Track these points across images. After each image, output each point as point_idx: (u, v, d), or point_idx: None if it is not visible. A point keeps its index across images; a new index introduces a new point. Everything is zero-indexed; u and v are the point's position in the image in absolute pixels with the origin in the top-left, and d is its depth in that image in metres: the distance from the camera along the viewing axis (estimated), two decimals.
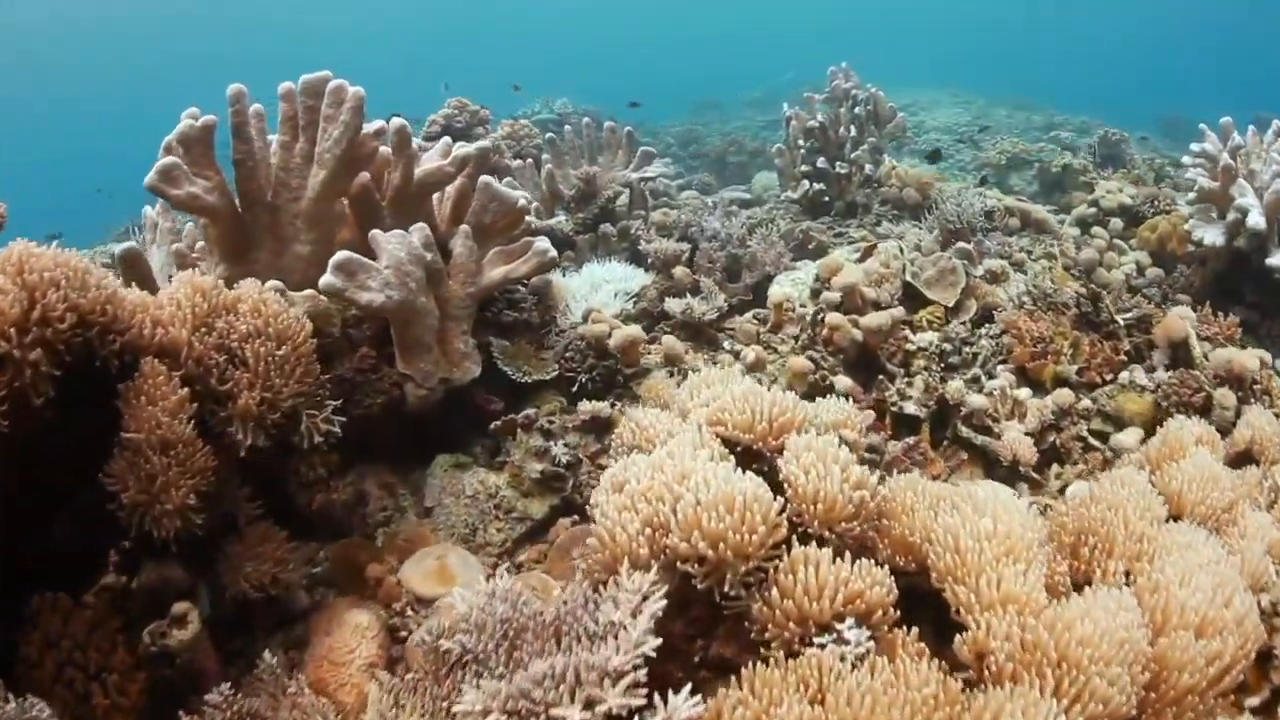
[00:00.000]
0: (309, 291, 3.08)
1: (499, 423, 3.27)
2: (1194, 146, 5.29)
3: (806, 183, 5.95)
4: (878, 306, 3.63)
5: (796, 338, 3.71)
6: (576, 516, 3.04)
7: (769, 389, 2.26)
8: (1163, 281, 5.31)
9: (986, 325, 3.83)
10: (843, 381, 3.29)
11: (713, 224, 4.43)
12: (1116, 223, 5.87)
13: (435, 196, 3.64)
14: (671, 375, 3.47)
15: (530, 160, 5.27)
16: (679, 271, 4.02)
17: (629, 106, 6.81)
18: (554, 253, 3.53)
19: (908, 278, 3.84)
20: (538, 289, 4.21)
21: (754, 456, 2.10)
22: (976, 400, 3.28)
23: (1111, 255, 5.44)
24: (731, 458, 2.01)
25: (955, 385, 3.33)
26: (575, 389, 3.55)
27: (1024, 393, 3.51)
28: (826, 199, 5.99)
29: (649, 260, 4.25)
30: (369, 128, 3.44)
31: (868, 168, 5.85)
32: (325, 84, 3.27)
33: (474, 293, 3.40)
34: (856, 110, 6.05)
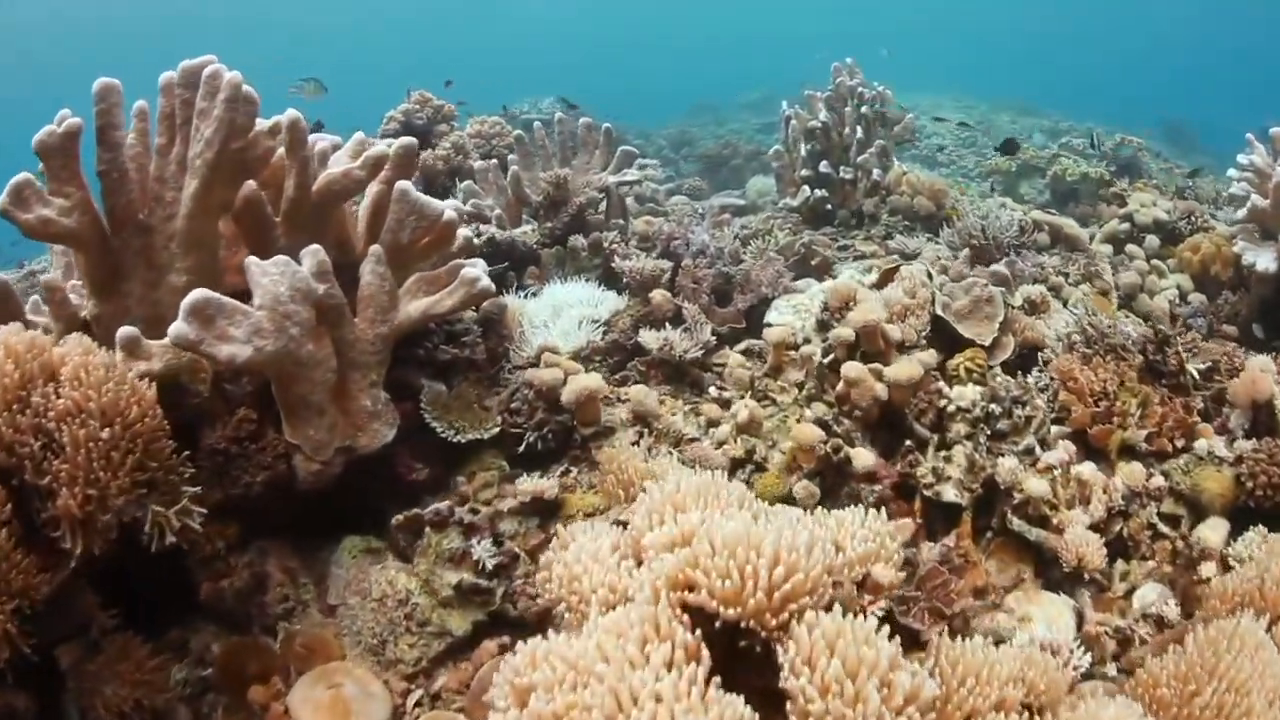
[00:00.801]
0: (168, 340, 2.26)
1: (401, 518, 2.45)
2: (1241, 159, 4.47)
3: (807, 189, 5.13)
4: (903, 349, 2.81)
5: (801, 385, 2.88)
6: (506, 638, 2.21)
7: (769, 442, 1.43)
8: (1209, 310, 4.50)
9: (1036, 375, 3.00)
10: (863, 457, 2.46)
11: (700, 237, 3.61)
12: (1153, 240, 5.04)
13: (350, 209, 2.83)
14: (642, 437, 2.65)
15: (496, 162, 4.45)
16: (658, 296, 3.19)
17: (445, 85, 5.97)
18: (487, 282, 2.66)
19: (938, 310, 3.02)
20: (488, 316, 3.38)
21: (743, 634, 1.29)
22: (1037, 486, 2.45)
23: (1153, 279, 4.62)
24: (705, 654, 1.20)
25: (1008, 465, 2.50)
26: (522, 449, 2.74)
27: (1086, 469, 2.67)
28: (829, 207, 5.16)
29: (624, 280, 3.43)
30: (262, 125, 2.62)
31: (875, 173, 5.02)
32: (200, 71, 2.45)
33: (386, 333, 2.56)
34: (863, 110, 5.22)
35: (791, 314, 3.30)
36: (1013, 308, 3.29)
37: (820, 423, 2.58)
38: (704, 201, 6.33)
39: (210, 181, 2.42)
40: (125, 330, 2.26)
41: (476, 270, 2.55)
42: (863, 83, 5.31)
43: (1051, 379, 2.94)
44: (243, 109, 2.46)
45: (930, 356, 2.76)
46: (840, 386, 2.62)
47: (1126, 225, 5.13)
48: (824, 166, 5.15)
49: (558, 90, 10.11)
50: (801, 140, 5.23)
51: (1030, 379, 2.94)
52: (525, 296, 3.65)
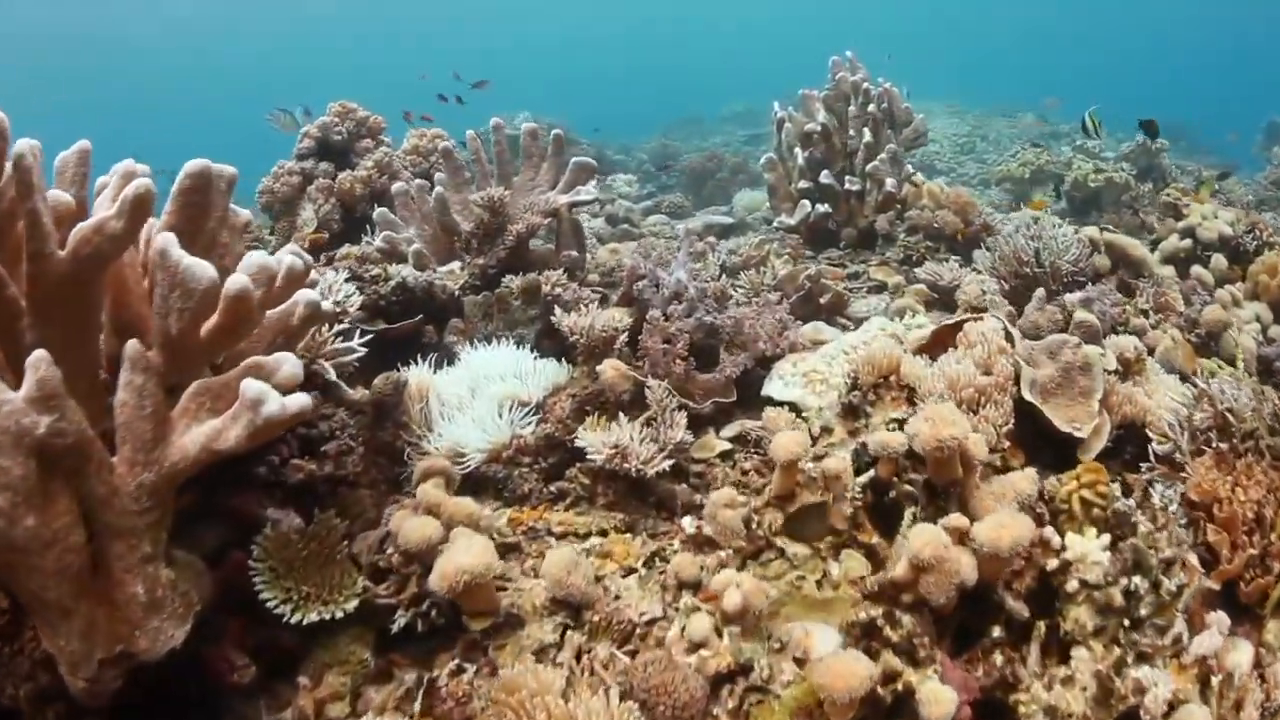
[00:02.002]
0: None
1: None
2: None
3: (807, 204, 4.05)
4: (996, 471, 1.72)
5: (823, 549, 1.72)
6: None
7: None
8: None
9: (1160, 493, 1.90)
10: (939, 698, 1.33)
11: (675, 275, 2.53)
12: (1219, 260, 3.94)
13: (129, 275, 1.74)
14: (567, 633, 1.56)
15: (419, 182, 3.36)
16: (610, 372, 2.09)
17: (472, 87, 4.94)
18: (279, 406, 1.47)
19: (1025, 390, 1.94)
20: (379, 398, 2.29)
21: None
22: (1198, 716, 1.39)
23: (1236, 312, 3.54)
24: None
25: (1158, 691, 1.41)
26: (396, 629, 1.67)
27: (1243, 657, 1.60)
28: (833, 225, 4.09)
29: (568, 340, 2.35)
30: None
31: (888, 183, 3.95)
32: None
33: (154, 482, 1.46)
34: (870, 109, 4.15)
35: (801, 387, 2.22)
36: (1107, 373, 2.20)
37: (864, 626, 1.47)
38: (684, 222, 5.24)
39: None
40: None
41: (259, 387, 1.42)
42: (867, 78, 4.24)
43: (1185, 498, 1.85)
44: None
45: (1030, 483, 1.65)
46: (901, 569, 1.50)
47: (1188, 242, 4.05)
48: (825, 177, 4.08)
49: (535, 107, 9.04)
50: (798, 147, 4.14)
51: (1155, 500, 1.85)
52: (447, 362, 2.56)
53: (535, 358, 2.36)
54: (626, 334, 2.34)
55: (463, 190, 3.24)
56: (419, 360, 2.69)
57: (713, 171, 7.44)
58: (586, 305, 2.49)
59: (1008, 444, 1.83)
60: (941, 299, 3.24)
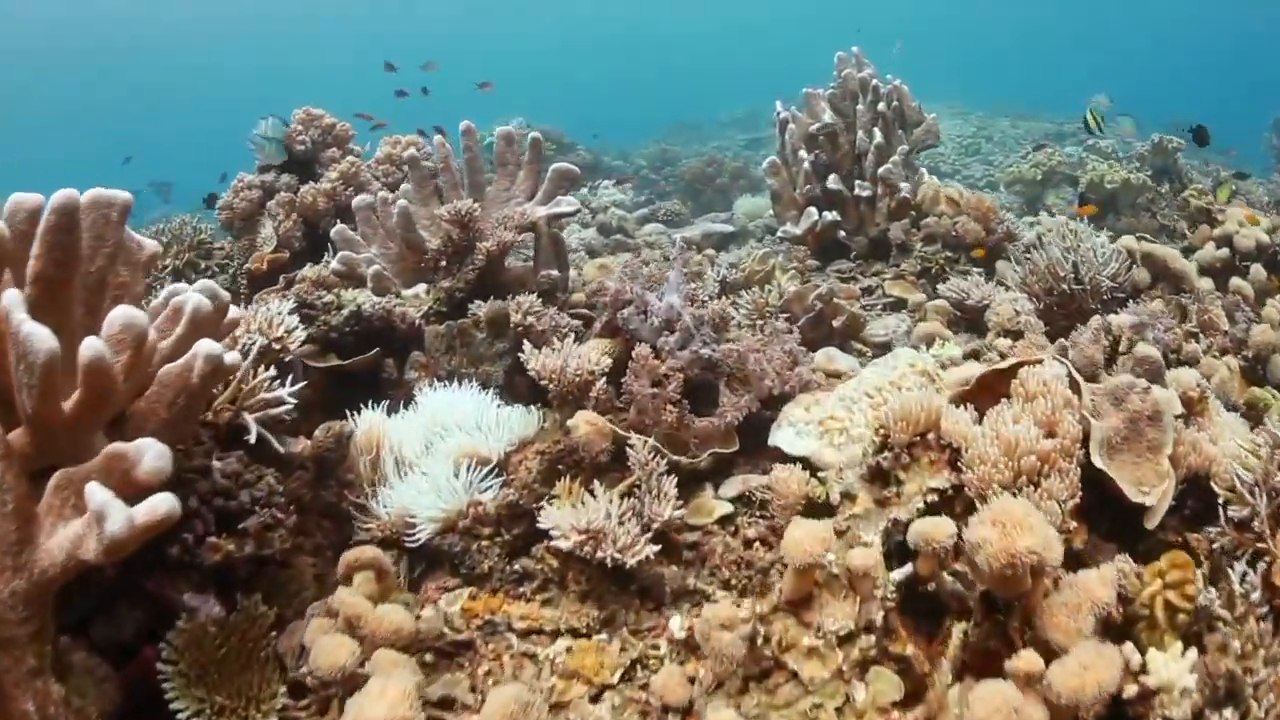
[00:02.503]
0: None
1: None
2: None
3: (814, 212, 3.64)
4: (1081, 564, 1.30)
5: (846, 668, 1.29)
6: None
7: None
8: None
9: (1241, 571, 1.47)
10: None
11: (668, 300, 2.12)
12: (1258, 271, 3.52)
13: None
14: None
15: (384, 194, 2.96)
16: (583, 428, 1.67)
17: (479, 87, 4.57)
18: (122, 525, 1.03)
19: (1096, 457, 1.54)
20: (320, 454, 1.90)
21: None
22: None
23: None
24: None
25: None
26: None
27: None
28: (842, 234, 3.68)
29: (540, 382, 1.94)
30: None
31: (903, 188, 3.54)
32: None
33: (27, 590, 1.08)
34: (880, 107, 3.74)
35: (817, 438, 1.81)
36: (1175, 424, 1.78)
37: None
38: (681, 230, 4.82)
39: None
40: None
41: (102, 498, 1.00)
42: (875, 74, 3.83)
43: (1259, 579, 1.43)
44: None
45: (1108, 589, 1.19)
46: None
47: (1225, 251, 3.63)
48: (833, 181, 3.67)
49: (530, 112, 8.64)
50: (802, 149, 3.73)
51: (1234, 583, 1.43)
52: (407, 404, 2.16)
53: (499, 405, 1.94)
54: (609, 373, 1.94)
55: (430, 203, 2.84)
56: (376, 401, 2.30)
57: (712, 177, 7.03)
58: (560, 339, 2.08)
59: (1074, 524, 1.42)
60: (966, 317, 2.83)
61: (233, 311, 1.83)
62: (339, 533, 1.98)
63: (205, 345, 1.45)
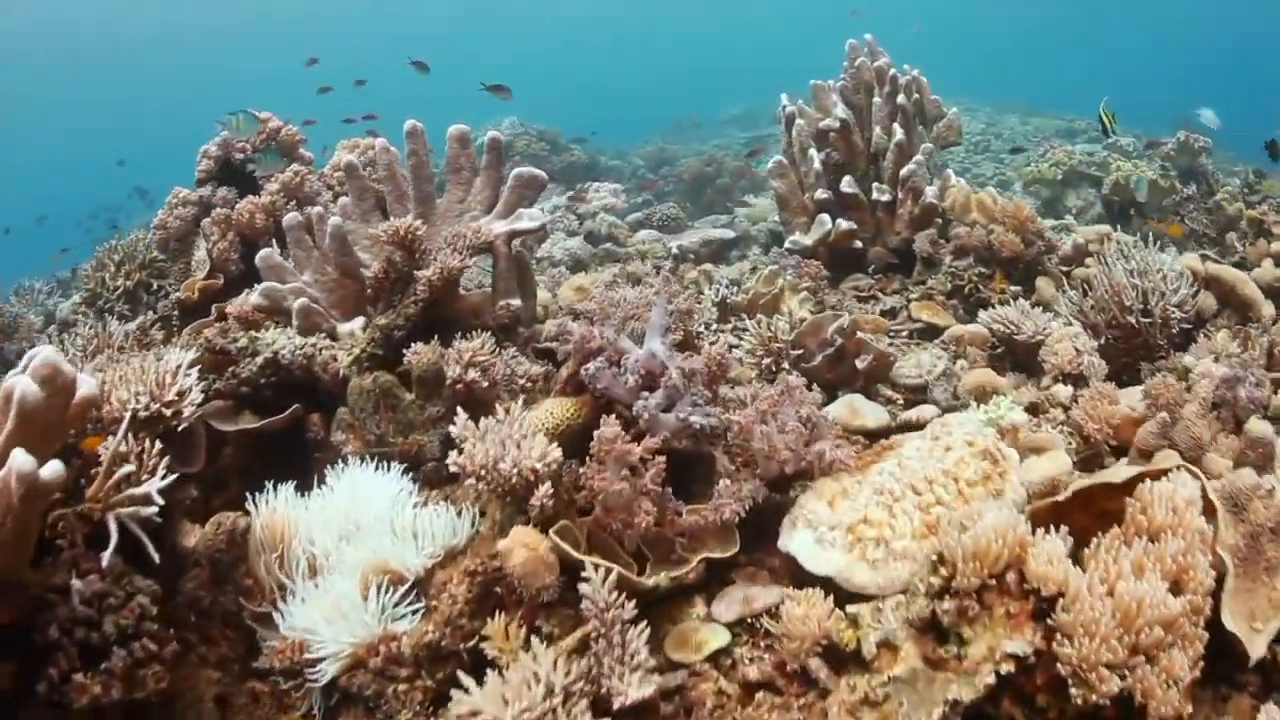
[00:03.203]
0: None
1: None
2: None
3: (826, 219, 3.10)
4: None
5: None
6: None
7: None
8: None
9: None
10: None
11: (650, 347, 1.58)
12: None
13: None
14: None
15: (319, 210, 2.43)
16: (518, 555, 1.15)
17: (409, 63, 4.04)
18: None
19: (1229, 618, 1.00)
20: (213, 554, 1.39)
21: None
22: None
23: None
24: None
25: None
26: None
27: None
28: (859, 244, 3.15)
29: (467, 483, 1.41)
30: None
31: (928, 193, 3.00)
32: None
33: None
34: (900, 100, 3.20)
35: (844, 550, 1.27)
36: None
37: None
38: (678, 237, 4.27)
39: None
40: None
41: None
42: (892, 64, 3.29)
43: None
44: None
45: None
46: None
47: None
48: (848, 184, 3.12)
49: (523, 112, 8.10)
50: (812, 147, 3.19)
51: None
52: (321, 482, 1.64)
53: (422, 501, 1.42)
54: (576, 434, 1.42)
55: (372, 218, 2.31)
56: (300, 468, 1.80)
57: (712, 177, 6.48)
58: (514, 397, 1.55)
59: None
60: (1011, 350, 2.29)
61: (84, 388, 1.32)
62: (245, 642, 1.48)
63: (18, 461, 1.00)
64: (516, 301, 2.13)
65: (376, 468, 1.57)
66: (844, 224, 3.02)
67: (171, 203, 3.06)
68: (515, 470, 1.25)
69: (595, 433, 1.34)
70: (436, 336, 1.89)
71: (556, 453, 1.30)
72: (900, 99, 3.14)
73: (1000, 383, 1.95)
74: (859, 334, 2.03)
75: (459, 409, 1.48)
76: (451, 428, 1.44)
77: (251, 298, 2.22)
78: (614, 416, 1.43)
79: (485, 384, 1.63)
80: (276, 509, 1.57)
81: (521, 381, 1.75)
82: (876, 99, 3.15)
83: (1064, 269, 3.09)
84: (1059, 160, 5.93)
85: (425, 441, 1.63)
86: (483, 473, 1.27)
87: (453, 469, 1.30)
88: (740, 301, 2.57)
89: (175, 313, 2.88)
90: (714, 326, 2.52)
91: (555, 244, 3.94)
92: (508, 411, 1.45)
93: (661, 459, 1.37)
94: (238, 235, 2.82)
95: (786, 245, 3.20)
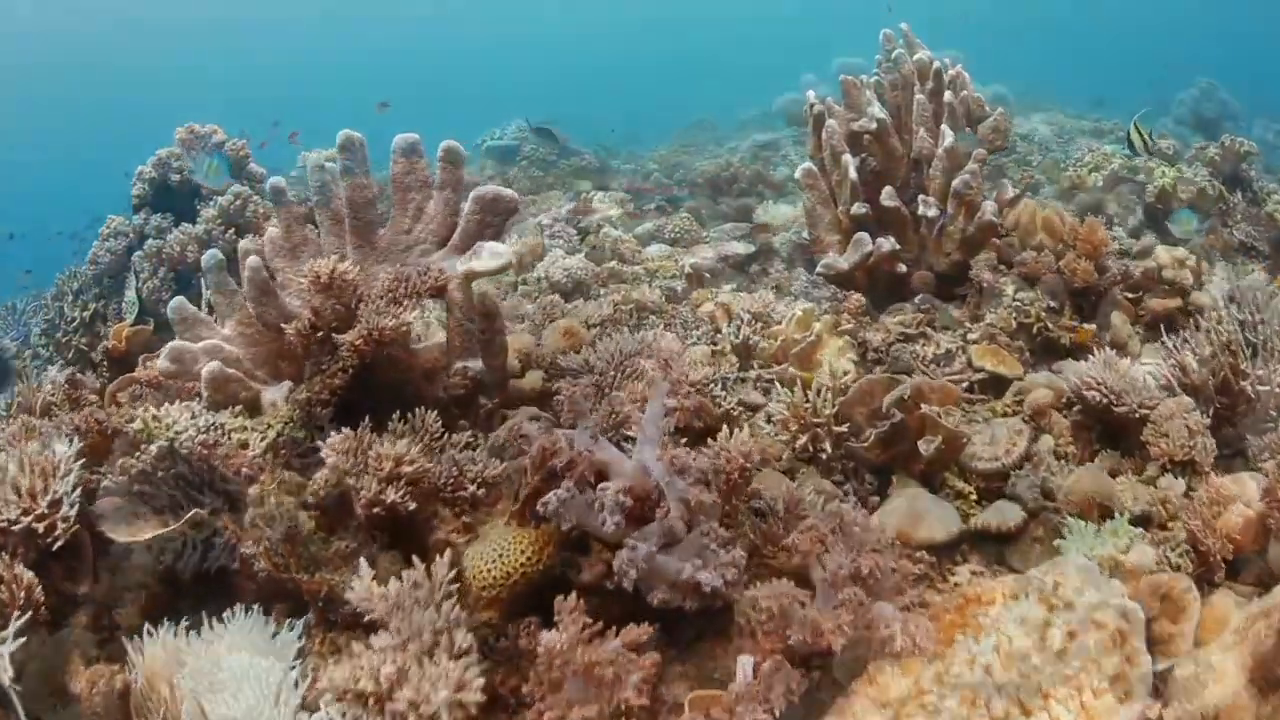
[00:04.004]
0: None
1: None
2: None
3: (866, 239, 2.55)
4: None
5: None
6: None
7: None
8: None
9: None
10: None
11: (638, 464, 1.07)
12: None
13: None
14: None
15: (245, 243, 1.93)
16: None
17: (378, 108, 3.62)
18: None
19: None
20: None
21: None
22: None
23: None
24: None
25: None
26: None
27: None
28: (903, 268, 2.60)
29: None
30: None
31: (987, 209, 2.45)
32: None
33: None
34: (947, 98, 2.65)
35: None
36: None
37: None
38: (692, 255, 3.73)
39: None
40: None
41: None
42: (934, 58, 2.74)
43: None
44: None
45: None
46: None
47: None
48: (889, 198, 2.58)
49: (529, 111, 7.56)
50: (847, 154, 2.65)
51: None
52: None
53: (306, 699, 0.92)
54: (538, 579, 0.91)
55: (299, 252, 1.80)
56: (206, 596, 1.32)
57: (730, 181, 5.93)
58: (434, 557, 1.04)
59: None
60: (1101, 419, 1.75)
61: None
62: None
63: None
64: (476, 364, 1.61)
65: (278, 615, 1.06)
66: (887, 245, 2.47)
67: (104, 233, 2.57)
68: (407, 709, 0.74)
69: (541, 647, 0.82)
70: (366, 419, 1.38)
71: (474, 694, 0.79)
72: (947, 96, 2.60)
73: (1112, 491, 1.41)
74: (924, 405, 1.50)
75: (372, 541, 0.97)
76: (351, 587, 0.94)
77: (159, 361, 1.72)
78: (587, 568, 0.92)
79: (412, 505, 1.12)
80: (156, 660, 1.10)
81: (471, 489, 1.24)
82: (919, 96, 2.61)
83: (1129, 295, 2.55)
84: (1097, 164, 5.31)
85: (335, 582, 1.12)
86: (372, 705, 0.76)
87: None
88: (766, 349, 2.04)
89: (104, 362, 2.40)
90: (732, 379, 1.98)
91: (554, 262, 3.42)
92: (440, 554, 0.95)
93: (650, 660, 0.85)
94: (172, 271, 2.33)
95: (819, 270, 2.65)
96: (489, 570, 1.03)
